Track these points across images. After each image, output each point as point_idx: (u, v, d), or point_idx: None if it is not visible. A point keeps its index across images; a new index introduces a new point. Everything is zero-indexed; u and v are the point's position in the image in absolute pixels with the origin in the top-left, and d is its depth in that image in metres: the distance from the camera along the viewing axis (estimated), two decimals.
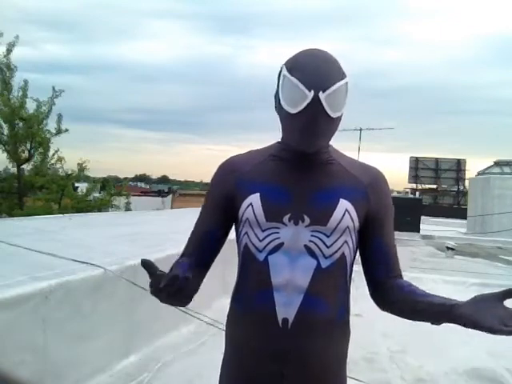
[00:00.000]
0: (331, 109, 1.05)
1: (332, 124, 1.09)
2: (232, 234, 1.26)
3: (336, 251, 1.13)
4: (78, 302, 2.72)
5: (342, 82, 1.07)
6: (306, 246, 1.12)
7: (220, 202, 1.22)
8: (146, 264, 1.00)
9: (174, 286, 0.95)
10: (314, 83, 1.04)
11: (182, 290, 0.97)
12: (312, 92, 1.03)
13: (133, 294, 3.13)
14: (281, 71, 1.11)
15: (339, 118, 1.11)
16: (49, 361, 2.47)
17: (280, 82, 1.11)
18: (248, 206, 1.15)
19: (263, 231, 1.14)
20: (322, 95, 1.03)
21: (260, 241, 1.14)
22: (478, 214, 14.68)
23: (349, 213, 1.13)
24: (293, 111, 1.06)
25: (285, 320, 1.11)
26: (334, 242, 1.13)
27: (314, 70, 1.06)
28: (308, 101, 1.03)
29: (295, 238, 1.12)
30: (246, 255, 1.18)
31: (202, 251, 1.22)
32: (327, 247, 1.12)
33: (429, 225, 14.76)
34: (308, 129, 1.06)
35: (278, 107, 1.13)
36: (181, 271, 0.98)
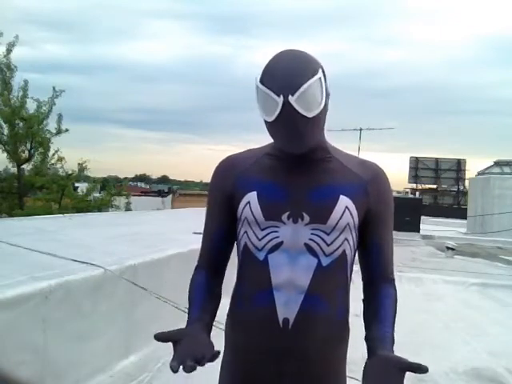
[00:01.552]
0: (305, 109, 1.03)
1: (312, 123, 1.06)
2: None
3: (337, 249, 1.12)
4: (78, 302, 2.72)
5: (313, 80, 1.03)
6: (306, 244, 1.11)
7: (221, 202, 1.22)
8: (161, 338, 0.99)
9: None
10: (281, 88, 1.02)
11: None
12: (281, 97, 1.02)
13: (133, 294, 3.13)
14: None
15: (321, 115, 1.08)
16: (49, 361, 2.47)
17: (256, 94, 1.10)
18: (246, 205, 1.15)
19: (262, 230, 1.13)
20: (291, 98, 1.01)
21: (259, 240, 1.14)
22: (478, 214, 14.68)
23: (349, 210, 1.12)
24: (269, 119, 1.06)
25: (285, 320, 1.11)
26: (335, 240, 1.12)
27: (280, 75, 1.04)
28: (279, 107, 1.02)
29: (295, 236, 1.12)
30: (246, 255, 1.17)
31: (213, 257, 1.25)
32: (327, 245, 1.12)
33: (429, 225, 14.75)
34: (288, 133, 1.05)
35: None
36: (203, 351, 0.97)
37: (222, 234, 1.23)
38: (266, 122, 1.09)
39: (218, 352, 1.00)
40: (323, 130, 1.15)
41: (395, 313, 1.17)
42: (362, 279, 1.24)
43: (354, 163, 1.20)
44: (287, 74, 1.04)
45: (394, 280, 1.23)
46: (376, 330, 1.12)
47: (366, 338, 1.13)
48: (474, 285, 6.42)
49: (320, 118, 1.09)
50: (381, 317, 1.14)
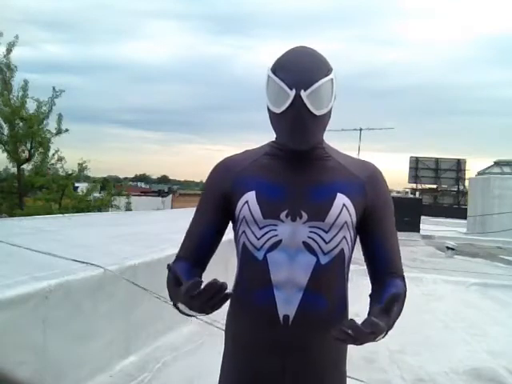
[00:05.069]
0: (315, 106, 1.05)
1: (318, 121, 1.08)
2: (231, 234, 1.26)
3: (335, 247, 1.13)
4: (78, 302, 2.71)
5: (326, 79, 1.06)
6: (304, 242, 1.12)
7: (216, 202, 1.21)
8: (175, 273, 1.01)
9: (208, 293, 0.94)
10: (295, 82, 1.04)
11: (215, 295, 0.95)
12: (294, 90, 1.03)
13: (133, 294, 3.13)
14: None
15: (327, 115, 1.10)
16: (49, 361, 2.47)
17: (266, 83, 1.11)
18: (244, 204, 1.15)
19: (260, 229, 1.13)
20: (303, 93, 1.03)
21: (258, 239, 1.14)
22: (478, 214, 14.66)
23: (346, 207, 1.13)
24: (277, 111, 1.07)
25: (286, 317, 1.12)
26: (333, 238, 1.12)
27: (295, 69, 1.06)
28: (290, 100, 1.04)
29: (293, 234, 1.12)
30: (245, 254, 1.17)
31: (198, 252, 1.23)
32: (326, 243, 1.12)
33: (429, 225, 14.72)
34: (294, 127, 1.06)
35: (267, 108, 1.14)
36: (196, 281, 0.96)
37: (212, 231, 1.23)
38: (272, 113, 1.10)
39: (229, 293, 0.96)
40: (324, 131, 1.16)
41: (400, 300, 1.09)
42: (371, 282, 1.22)
43: (351, 163, 1.21)
44: (302, 69, 1.05)
45: (403, 277, 1.19)
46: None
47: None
48: (474, 285, 6.42)
49: (325, 118, 1.11)
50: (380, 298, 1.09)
